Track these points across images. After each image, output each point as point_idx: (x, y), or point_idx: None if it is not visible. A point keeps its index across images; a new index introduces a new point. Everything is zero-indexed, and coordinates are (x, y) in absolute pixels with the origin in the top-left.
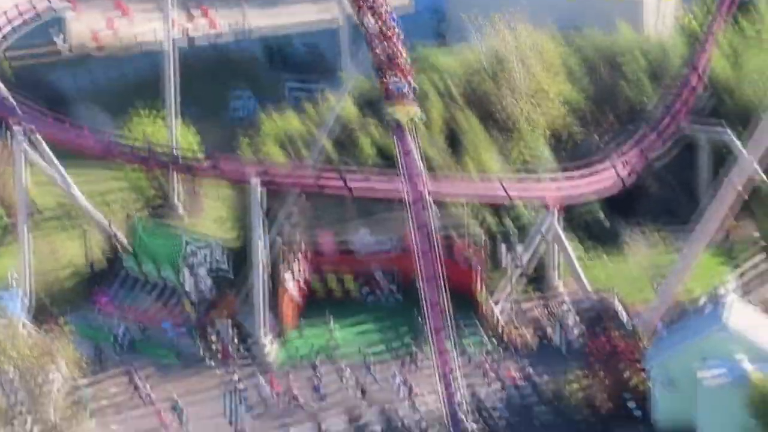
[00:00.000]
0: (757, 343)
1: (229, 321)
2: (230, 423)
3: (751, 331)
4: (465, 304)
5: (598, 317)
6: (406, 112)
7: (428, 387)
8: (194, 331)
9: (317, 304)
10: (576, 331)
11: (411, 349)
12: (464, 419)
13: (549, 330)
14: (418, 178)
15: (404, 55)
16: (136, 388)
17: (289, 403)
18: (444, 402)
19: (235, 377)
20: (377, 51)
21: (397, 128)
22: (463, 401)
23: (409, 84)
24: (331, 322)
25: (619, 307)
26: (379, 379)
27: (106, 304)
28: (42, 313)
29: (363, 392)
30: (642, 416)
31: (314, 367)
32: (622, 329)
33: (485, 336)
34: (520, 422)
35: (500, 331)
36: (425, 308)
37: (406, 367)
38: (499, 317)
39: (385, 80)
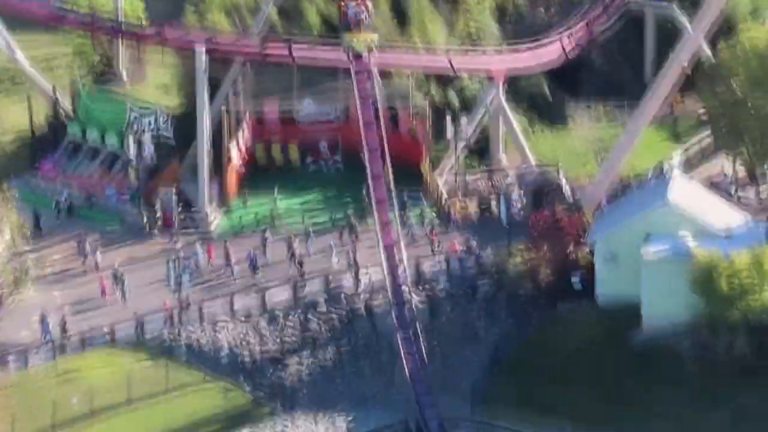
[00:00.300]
0: (700, 219)
1: (173, 189)
2: (173, 291)
3: (694, 207)
4: (409, 176)
5: (542, 191)
6: (364, 40)
7: (371, 259)
8: (138, 199)
9: (260, 172)
10: (519, 205)
11: (351, 220)
12: (406, 291)
13: (492, 203)
14: None
15: None
16: (83, 254)
17: (231, 273)
18: (386, 274)
19: (178, 245)
20: None
21: (357, 58)
22: (406, 273)
23: (367, 10)
24: (276, 191)
25: (563, 181)
26: (318, 250)
27: (50, 170)
28: None
29: (301, 264)
30: (585, 291)
31: (264, 238)
32: (566, 203)
33: (429, 208)
34: (462, 295)
35: (444, 203)
36: (369, 179)
37: (344, 238)
38: (443, 190)
39: (343, 5)
